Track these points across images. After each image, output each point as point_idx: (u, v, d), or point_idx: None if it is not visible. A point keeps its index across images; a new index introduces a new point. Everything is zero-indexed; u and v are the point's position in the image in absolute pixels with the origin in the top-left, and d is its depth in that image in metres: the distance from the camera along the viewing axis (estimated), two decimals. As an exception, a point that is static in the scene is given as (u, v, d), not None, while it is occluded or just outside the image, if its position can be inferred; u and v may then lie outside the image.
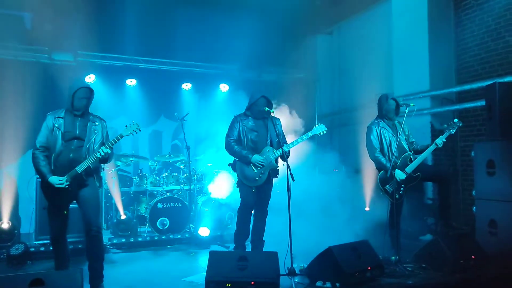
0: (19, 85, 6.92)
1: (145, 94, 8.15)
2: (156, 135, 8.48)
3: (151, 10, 7.58)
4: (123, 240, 5.97)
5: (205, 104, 8.56)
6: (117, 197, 6.26)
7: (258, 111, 4.75)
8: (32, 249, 5.34)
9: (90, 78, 7.63)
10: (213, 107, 8.46)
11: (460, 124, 4.85)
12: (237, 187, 4.79)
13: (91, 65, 7.76)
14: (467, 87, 6.45)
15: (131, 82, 8.11)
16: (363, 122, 5.53)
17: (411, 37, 7.22)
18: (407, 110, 4.79)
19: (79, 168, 3.81)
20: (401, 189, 4.81)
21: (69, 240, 4.37)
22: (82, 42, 7.27)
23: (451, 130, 4.81)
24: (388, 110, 5.05)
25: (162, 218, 6.19)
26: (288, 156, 4.46)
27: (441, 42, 6.97)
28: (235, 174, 4.85)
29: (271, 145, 4.77)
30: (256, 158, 4.60)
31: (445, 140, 4.77)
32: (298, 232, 4.94)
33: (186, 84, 8.50)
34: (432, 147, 4.79)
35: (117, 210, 6.26)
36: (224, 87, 8.78)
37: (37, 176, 5.41)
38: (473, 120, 6.74)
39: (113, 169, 6.42)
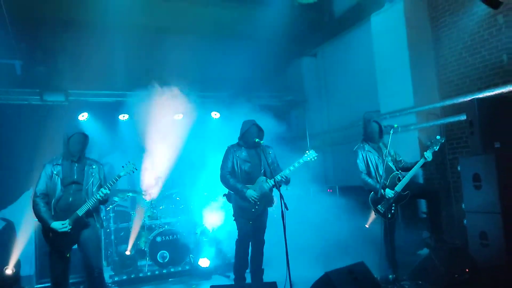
0: (12, 127, 7.04)
1: (138, 128, 8.25)
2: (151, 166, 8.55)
3: (140, 41, 7.76)
4: (125, 277, 6.02)
5: (198, 133, 8.68)
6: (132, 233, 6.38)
7: (251, 141, 4.88)
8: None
9: (83, 116, 7.75)
10: (206, 135, 8.58)
11: (443, 141, 5.04)
12: (234, 220, 4.90)
13: (83, 103, 7.89)
14: (449, 102, 6.64)
15: (123, 117, 8.23)
16: (354, 140, 5.68)
17: (392, 56, 7.45)
18: (391, 132, 4.97)
19: (80, 211, 3.94)
20: (392, 208, 4.95)
21: (70, 281, 4.45)
22: (72, 81, 7.43)
23: (435, 147, 4.98)
24: (372, 133, 5.22)
25: (162, 251, 6.27)
26: (286, 183, 4.61)
27: (421, 59, 7.19)
28: (230, 204, 4.98)
29: (265, 174, 4.90)
30: (250, 193, 4.71)
31: (432, 156, 4.92)
32: (296, 257, 5.04)
33: (178, 114, 8.63)
34: (421, 162, 4.96)
35: (117, 246, 6.33)
36: (215, 115, 8.92)
37: (36, 220, 5.52)
38: (459, 133, 6.91)
39: (110, 206, 6.51)
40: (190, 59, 8.21)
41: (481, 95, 5.76)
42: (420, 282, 4.59)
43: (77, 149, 4.12)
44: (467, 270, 4.59)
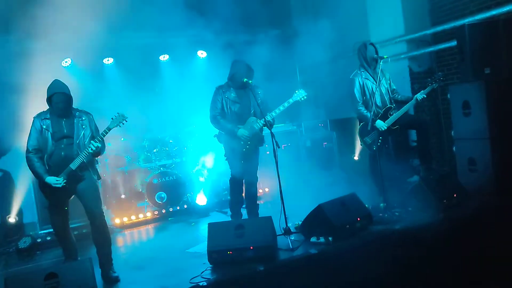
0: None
1: (124, 71, 8.07)
2: (141, 111, 8.47)
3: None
4: (125, 219, 6.20)
5: (186, 73, 8.53)
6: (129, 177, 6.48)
7: (240, 81, 4.81)
8: (39, 240, 5.55)
9: (66, 62, 7.53)
10: (194, 75, 8.44)
11: (443, 78, 4.98)
12: (225, 159, 4.96)
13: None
14: (440, 28, 6.50)
15: (108, 60, 8.01)
16: (346, 72, 5.61)
17: (382, -19, 7.17)
18: (381, 63, 4.91)
19: (73, 165, 3.92)
20: (379, 140, 5.01)
21: (73, 225, 4.58)
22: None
23: (434, 85, 4.92)
24: (371, 56, 5.11)
25: (159, 192, 6.41)
26: (272, 125, 4.61)
27: (412, -17, 6.94)
28: (221, 145, 5.02)
29: (255, 115, 4.89)
30: (241, 132, 4.74)
31: (425, 96, 4.90)
32: (290, 191, 5.19)
33: (163, 55, 8.42)
34: (412, 102, 4.95)
35: (114, 190, 6.45)
36: (202, 54, 8.71)
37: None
38: (450, 59, 6.83)
39: (105, 152, 6.53)
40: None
41: (472, 20, 5.61)
42: (410, 209, 4.75)
43: (59, 108, 3.98)
44: (455, 195, 4.77)
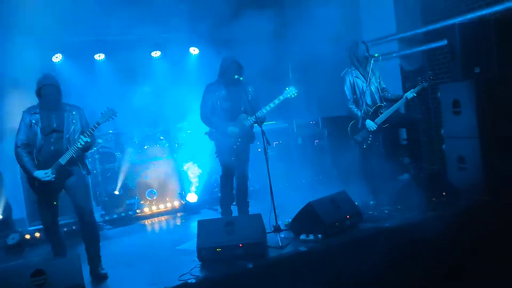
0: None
1: (115, 67, 8.02)
2: (132, 107, 8.42)
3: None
4: (115, 216, 6.16)
5: (178, 70, 8.49)
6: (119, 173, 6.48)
7: (230, 78, 4.78)
8: (27, 236, 5.50)
9: (57, 58, 7.47)
10: (186, 72, 8.41)
11: (433, 77, 5.03)
12: (216, 156, 4.95)
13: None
14: (431, 27, 6.53)
15: (99, 56, 7.96)
16: (337, 70, 5.61)
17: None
18: (372, 61, 4.93)
19: (62, 160, 3.89)
20: (370, 138, 5.05)
21: (62, 222, 4.54)
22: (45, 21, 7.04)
23: (424, 84, 4.97)
24: (362, 55, 5.13)
25: (150, 189, 6.38)
26: (263, 121, 4.60)
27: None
28: (212, 142, 5.01)
29: (246, 112, 4.88)
30: (231, 129, 4.73)
31: (415, 95, 4.94)
32: (280, 189, 5.17)
33: (155, 51, 8.38)
34: (402, 101, 4.99)
35: (105, 187, 6.41)
36: (194, 51, 8.67)
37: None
38: (441, 58, 6.88)
39: (95, 148, 6.49)
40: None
41: (462, 20, 5.64)
42: (399, 206, 4.77)
43: (49, 101, 3.95)
44: (444, 193, 4.79)
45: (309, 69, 9.40)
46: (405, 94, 4.96)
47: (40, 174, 3.87)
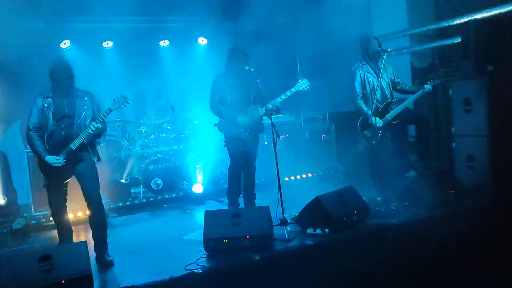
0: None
1: (123, 55, 7.98)
2: (139, 96, 8.42)
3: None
4: (121, 204, 6.16)
5: (186, 60, 8.45)
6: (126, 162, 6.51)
7: (238, 69, 4.76)
8: (33, 222, 5.51)
9: (66, 44, 7.44)
10: (194, 62, 8.37)
11: (445, 75, 5.00)
12: (224, 146, 4.94)
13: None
14: (444, 23, 6.46)
15: (107, 44, 7.92)
16: (346, 65, 5.57)
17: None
18: (385, 56, 4.87)
19: (73, 145, 3.88)
20: (379, 134, 5.00)
21: (68, 208, 4.53)
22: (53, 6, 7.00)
23: (437, 81, 4.92)
24: (374, 51, 5.07)
25: (156, 178, 6.36)
26: (275, 112, 4.59)
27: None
28: (221, 133, 4.99)
29: (255, 102, 4.85)
30: (241, 119, 4.70)
31: (431, 89, 4.90)
32: (287, 182, 5.13)
33: (164, 41, 8.33)
34: (419, 93, 4.95)
35: (110, 175, 6.40)
36: (202, 41, 8.62)
37: (28, 150, 5.51)
38: (452, 55, 6.82)
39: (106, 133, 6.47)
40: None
41: (477, 17, 5.57)
42: (407, 203, 4.75)
43: (61, 84, 3.94)
44: (452, 191, 4.77)
45: (318, 63, 9.36)
46: (424, 85, 4.91)
47: (51, 159, 3.86)
